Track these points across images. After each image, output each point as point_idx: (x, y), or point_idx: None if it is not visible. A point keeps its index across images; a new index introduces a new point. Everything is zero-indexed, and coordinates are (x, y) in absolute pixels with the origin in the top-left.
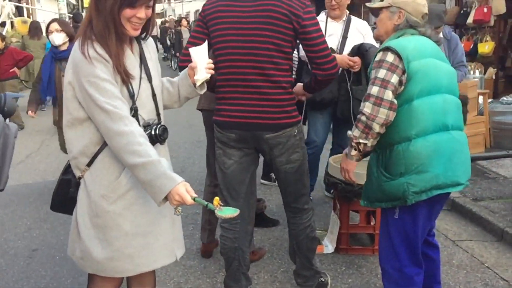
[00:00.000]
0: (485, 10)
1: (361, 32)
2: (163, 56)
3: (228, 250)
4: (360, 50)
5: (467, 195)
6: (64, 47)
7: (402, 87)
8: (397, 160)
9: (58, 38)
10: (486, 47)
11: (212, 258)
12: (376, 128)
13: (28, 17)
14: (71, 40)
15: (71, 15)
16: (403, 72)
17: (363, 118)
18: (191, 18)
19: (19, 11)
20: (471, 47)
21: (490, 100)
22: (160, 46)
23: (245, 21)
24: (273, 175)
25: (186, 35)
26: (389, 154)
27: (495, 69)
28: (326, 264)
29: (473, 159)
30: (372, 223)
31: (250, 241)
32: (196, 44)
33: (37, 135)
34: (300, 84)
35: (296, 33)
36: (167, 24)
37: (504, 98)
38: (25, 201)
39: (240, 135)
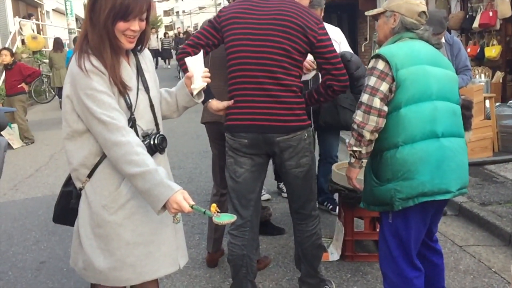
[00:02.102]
0: (491, 14)
1: (336, 40)
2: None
3: (236, 257)
4: (342, 60)
5: (475, 199)
6: None
7: (393, 95)
8: (385, 166)
9: None
10: (493, 51)
11: (217, 268)
12: (367, 135)
13: (38, 33)
14: None
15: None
16: (393, 79)
17: (355, 126)
18: None
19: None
20: (478, 51)
21: (497, 104)
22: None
23: (260, 27)
24: (281, 186)
25: None
26: (378, 160)
27: (503, 73)
28: (331, 271)
29: (481, 164)
30: (377, 230)
31: (257, 249)
32: (198, 42)
33: (46, 149)
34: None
35: (311, 46)
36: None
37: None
38: (34, 214)
39: (252, 140)
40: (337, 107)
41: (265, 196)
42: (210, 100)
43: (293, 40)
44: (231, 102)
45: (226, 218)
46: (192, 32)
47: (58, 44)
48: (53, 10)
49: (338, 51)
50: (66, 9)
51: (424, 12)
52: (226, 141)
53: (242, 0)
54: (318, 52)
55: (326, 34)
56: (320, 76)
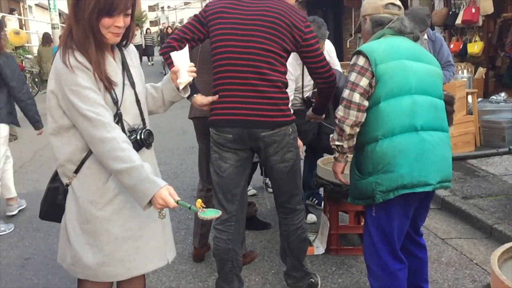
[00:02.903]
0: (473, 10)
1: (328, 53)
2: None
3: (221, 251)
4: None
5: (457, 193)
6: None
7: (373, 89)
8: (366, 160)
9: None
10: (475, 47)
11: (203, 263)
12: (347, 129)
13: (21, 28)
14: None
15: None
16: (373, 74)
17: (336, 121)
18: None
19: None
20: (461, 47)
21: (479, 99)
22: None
23: (247, 23)
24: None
25: None
26: (360, 154)
27: (485, 69)
28: (316, 265)
29: (463, 158)
30: (362, 223)
31: (242, 243)
32: (183, 37)
33: (30, 146)
34: (310, 110)
35: (296, 45)
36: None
37: (493, 97)
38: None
39: (237, 135)
40: (321, 134)
41: (251, 191)
42: (195, 95)
43: (280, 38)
44: (216, 97)
45: (211, 214)
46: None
47: (47, 39)
48: (35, 5)
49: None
50: (49, 4)
51: (391, 3)
52: (210, 136)
53: None
54: (303, 50)
55: (312, 32)
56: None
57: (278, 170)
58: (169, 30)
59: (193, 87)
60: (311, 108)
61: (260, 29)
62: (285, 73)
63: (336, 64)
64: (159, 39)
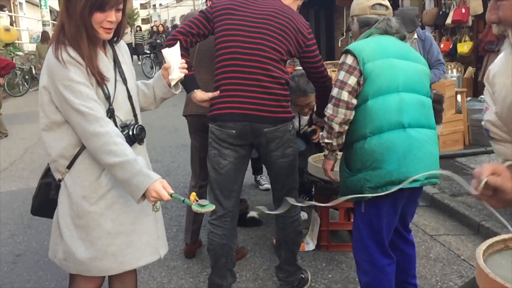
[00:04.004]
0: (463, 10)
1: None
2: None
3: (216, 246)
4: None
5: (446, 191)
6: None
7: (361, 88)
8: (355, 157)
9: None
10: (465, 47)
11: (195, 259)
12: (336, 127)
13: (11, 25)
14: None
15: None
16: (361, 73)
17: (326, 119)
18: (178, 23)
19: None
20: (451, 47)
21: (468, 98)
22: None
23: (255, 21)
24: (258, 178)
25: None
26: (349, 152)
27: (474, 69)
28: (307, 261)
29: (452, 156)
30: (352, 220)
31: (235, 239)
32: (189, 31)
33: (21, 143)
34: (315, 115)
35: (299, 49)
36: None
37: (482, 96)
38: (8, 208)
39: (240, 131)
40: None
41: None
42: (195, 91)
43: (286, 39)
44: (216, 93)
45: (206, 207)
46: (168, 27)
47: (45, 36)
48: (26, 1)
49: None
50: (40, 1)
51: (378, 3)
52: (211, 132)
53: None
54: (305, 56)
55: (313, 39)
56: None
57: (278, 165)
58: (160, 28)
59: (193, 82)
60: (315, 113)
61: (269, 28)
62: (287, 73)
63: None
64: (149, 37)
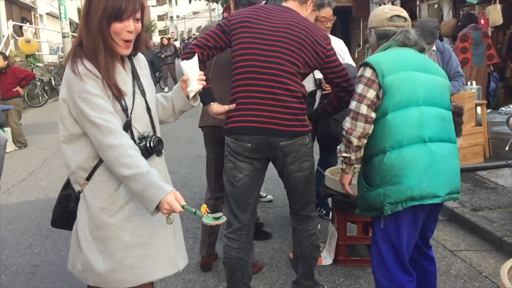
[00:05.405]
0: (482, 21)
1: (339, 52)
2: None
3: (232, 260)
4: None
5: (466, 205)
6: None
7: (380, 101)
8: (374, 171)
9: None
10: None
11: (211, 272)
12: (355, 141)
13: (32, 36)
14: None
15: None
16: (380, 86)
17: (344, 132)
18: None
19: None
20: None
21: (489, 110)
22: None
23: (273, 34)
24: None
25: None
26: (368, 166)
27: None
28: (324, 275)
29: (472, 170)
30: (370, 234)
31: (251, 252)
32: (206, 44)
33: (39, 153)
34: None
35: (320, 61)
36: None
37: (503, 108)
38: (27, 218)
39: (256, 144)
40: (331, 120)
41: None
42: (211, 103)
43: (304, 52)
44: (232, 106)
45: (216, 219)
46: (185, 39)
47: None
48: (46, 14)
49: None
50: (60, 13)
51: (396, 15)
52: (226, 145)
53: (254, 7)
54: (327, 67)
55: (333, 49)
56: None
57: (295, 179)
58: (165, 41)
59: (210, 95)
60: (319, 107)
61: (286, 41)
62: (304, 87)
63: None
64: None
